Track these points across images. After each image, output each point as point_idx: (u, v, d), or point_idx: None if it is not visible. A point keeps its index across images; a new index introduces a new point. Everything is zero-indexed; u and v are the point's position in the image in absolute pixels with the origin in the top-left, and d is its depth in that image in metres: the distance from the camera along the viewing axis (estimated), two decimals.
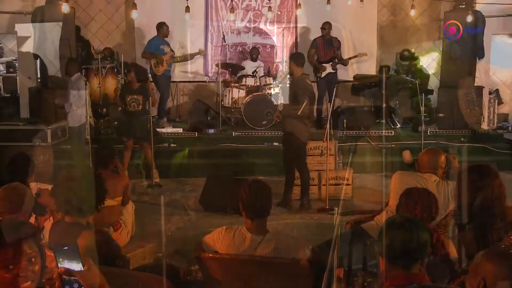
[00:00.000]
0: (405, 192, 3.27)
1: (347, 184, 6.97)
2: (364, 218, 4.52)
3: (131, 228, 5.26)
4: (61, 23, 8.81)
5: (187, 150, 8.63)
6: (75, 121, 7.55)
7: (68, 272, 1.70)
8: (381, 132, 9.37)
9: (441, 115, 9.65)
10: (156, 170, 7.69)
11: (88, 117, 7.43)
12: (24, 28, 9.19)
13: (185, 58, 10.02)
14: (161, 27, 9.40)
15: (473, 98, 9.44)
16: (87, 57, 10.22)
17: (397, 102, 10.78)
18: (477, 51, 9.60)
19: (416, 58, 10.83)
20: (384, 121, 10.27)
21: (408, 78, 10.21)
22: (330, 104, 6.65)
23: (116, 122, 8.88)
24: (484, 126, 10.14)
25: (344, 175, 6.96)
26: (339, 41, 9.85)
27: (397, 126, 9.97)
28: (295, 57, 6.82)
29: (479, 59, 9.75)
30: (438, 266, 2.95)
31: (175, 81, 10.50)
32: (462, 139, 9.17)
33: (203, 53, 10.19)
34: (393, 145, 8.87)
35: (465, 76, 9.58)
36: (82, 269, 1.72)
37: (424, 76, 10.48)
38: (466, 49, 9.57)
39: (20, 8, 9.50)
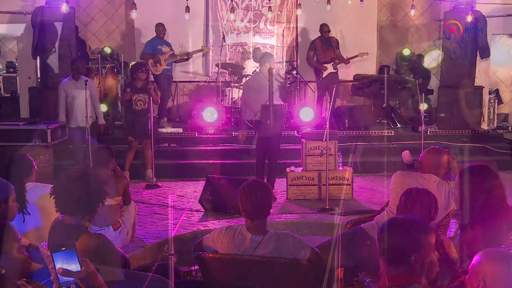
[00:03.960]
0: (405, 192, 3.26)
1: (347, 184, 6.96)
2: (364, 218, 4.52)
3: (132, 229, 5.27)
4: (61, 23, 8.80)
5: None
6: (74, 121, 7.54)
7: (66, 273, 1.69)
8: (381, 132, 9.37)
9: (442, 115, 9.64)
10: (151, 170, 7.68)
11: (88, 117, 7.42)
12: (24, 28, 9.19)
13: (186, 55, 9.84)
14: (159, 28, 9.39)
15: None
16: (83, 57, 10.20)
17: (397, 102, 10.79)
18: (481, 51, 9.59)
19: (416, 58, 10.83)
20: (384, 121, 10.30)
21: (408, 78, 10.20)
22: (330, 104, 6.64)
23: (120, 122, 8.87)
24: (484, 126, 10.14)
25: (344, 175, 6.95)
26: (337, 40, 9.84)
27: (397, 126, 9.97)
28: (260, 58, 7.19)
29: (481, 59, 9.75)
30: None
31: (175, 81, 10.50)
32: (464, 139, 9.17)
33: (206, 50, 10.16)
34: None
35: (465, 77, 9.59)
36: (80, 270, 1.72)
37: (424, 76, 10.47)
38: (466, 49, 9.57)
39: (20, 8, 9.50)
